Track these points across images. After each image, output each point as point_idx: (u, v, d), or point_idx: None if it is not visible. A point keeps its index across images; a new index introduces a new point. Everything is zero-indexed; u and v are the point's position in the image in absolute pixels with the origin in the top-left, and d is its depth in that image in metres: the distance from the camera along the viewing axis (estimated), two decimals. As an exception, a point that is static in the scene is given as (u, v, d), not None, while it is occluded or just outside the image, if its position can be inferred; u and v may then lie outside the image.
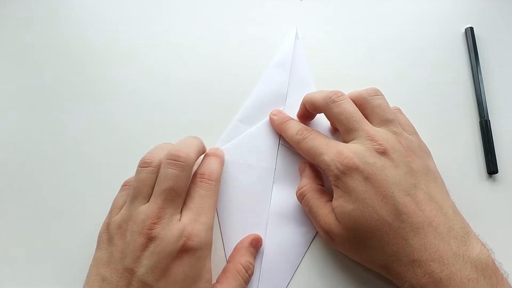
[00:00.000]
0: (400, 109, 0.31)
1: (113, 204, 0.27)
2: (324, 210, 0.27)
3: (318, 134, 0.29)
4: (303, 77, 0.35)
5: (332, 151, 0.26)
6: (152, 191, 0.25)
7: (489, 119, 0.34)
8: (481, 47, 0.37)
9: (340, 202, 0.25)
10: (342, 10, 0.39)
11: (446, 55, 0.37)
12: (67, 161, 0.33)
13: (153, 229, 0.23)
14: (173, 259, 0.23)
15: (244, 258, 0.28)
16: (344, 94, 0.29)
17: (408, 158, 0.26)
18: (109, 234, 0.25)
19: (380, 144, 0.26)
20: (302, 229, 0.30)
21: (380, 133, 0.27)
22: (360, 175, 0.25)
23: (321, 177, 0.30)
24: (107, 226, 0.26)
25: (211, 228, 0.25)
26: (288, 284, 0.29)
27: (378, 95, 0.28)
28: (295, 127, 0.30)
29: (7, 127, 0.34)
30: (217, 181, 0.28)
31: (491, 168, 0.33)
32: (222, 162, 0.30)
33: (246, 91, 0.35)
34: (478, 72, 0.36)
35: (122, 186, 0.29)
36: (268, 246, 0.30)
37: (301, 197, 0.29)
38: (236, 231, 0.30)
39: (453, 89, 0.36)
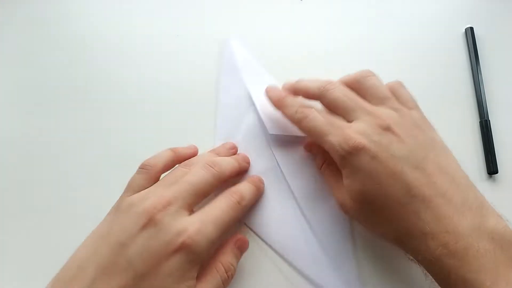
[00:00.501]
0: (401, 83, 0.30)
1: (128, 184, 0.27)
2: (337, 186, 0.27)
3: (319, 112, 0.28)
4: (257, 71, 0.35)
5: (337, 132, 0.26)
6: None
7: (489, 119, 0.34)
8: (481, 47, 0.37)
9: (348, 181, 0.25)
10: (342, 10, 0.39)
11: (446, 55, 0.37)
12: (67, 161, 0.33)
13: (159, 212, 0.23)
14: (166, 252, 0.22)
15: (226, 257, 0.26)
16: (336, 82, 0.28)
17: (413, 132, 0.26)
18: (116, 209, 0.25)
19: (383, 119, 0.25)
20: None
21: (380, 110, 0.26)
22: (367, 154, 0.24)
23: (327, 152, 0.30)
24: (118, 203, 0.26)
25: (212, 242, 0.24)
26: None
27: (370, 76, 0.28)
28: (294, 105, 0.29)
29: (7, 127, 0.34)
30: (244, 209, 0.27)
31: (491, 168, 0.33)
32: (258, 193, 0.30)
33: (246, 91, 0.35)
34: (478, 72, 0.36)
35: (139, 168, 0.28)
36: (316, 232, 0.29)
37: (322, 174, 0.30)
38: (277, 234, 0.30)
39: (453, 89, 0.36)
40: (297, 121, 0.28)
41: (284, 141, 0.32)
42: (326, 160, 0.30)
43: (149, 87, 0.35)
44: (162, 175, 0.28)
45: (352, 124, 0.26)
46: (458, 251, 0.21)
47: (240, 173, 0.31)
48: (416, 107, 0.29)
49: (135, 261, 0.22)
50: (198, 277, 0.25)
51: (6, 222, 0.32)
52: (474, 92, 0.36)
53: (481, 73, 0.36)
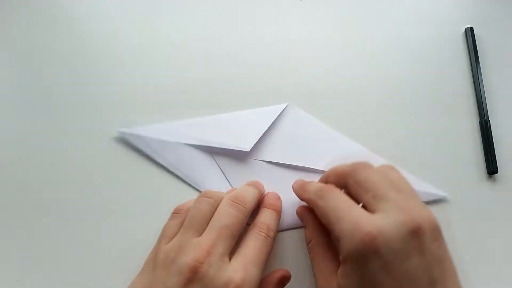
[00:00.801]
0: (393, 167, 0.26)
1: (163, 231, 0.27)
2: (325, 275, 0.25)
3: (341, 194, 0.24)
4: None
5: (352, 220, 0.22)
6: (207, 226, 0.25)
7: (489, 119, 0.34)
8: (481, 47, 0.37)
9: (344, 282, 0.22)
10: (342, 11, 0.39)
11: (446, 55, 0.37)
12: (66, 161, 0.33)
13: (201, 265, 0.22)
14: None
15: None
16: (371, 165, 0.26)
17: (436, 242, 0.22)
18: (154, 262, 0.24)
19: (413, 219, 0.21)
20: None
21: (411, 205, 0.22)
22: (377, 261, 0.20)
23: (322, 226, 0.27)
24: (155, 253, 0.25)
25: (257, 282, 0.24)
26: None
27: (395, 170, 0.26)
28: (315, 185, 0.27)
29: (8, 127, 0.34)
30: (274, 239, 0.27)
31: (491, 168, 0.33)
32: (279, 216, 0.30)
33: (246, 91, 0.35)
34: (478, 72, 0.36)
35: (173, 214, 0.28)
36: None
37: (308, 250, 0.28)
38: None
39: (453, 89, 0.36)
40: (315, 199, 0.25)
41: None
42: (316, 238, 0.27)
43: (149, 87, 0.35)
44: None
45: (375, 216, 0.22)
46: None
47: (260, 199, 0.30)
48: (420, 200, 0.24)
49: None
50: None
51: (6, 222, 0.32)
52: (474, 92, 0.36)
53: (481, 73, 0.36)
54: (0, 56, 0.37)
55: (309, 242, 0.28)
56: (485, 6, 0.39)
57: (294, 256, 0.31)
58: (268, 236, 0.26)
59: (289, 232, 0.31)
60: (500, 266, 0.31)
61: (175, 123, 0.34)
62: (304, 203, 0.30)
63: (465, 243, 0.31)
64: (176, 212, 0.28)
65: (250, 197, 0.27)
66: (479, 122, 0.35)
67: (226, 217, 0.25)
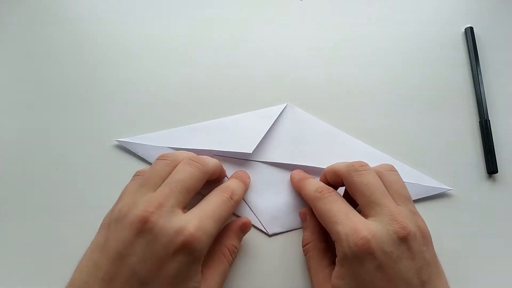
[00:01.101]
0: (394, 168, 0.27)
1: (122, 192, 0.26)
2: (320, 277, 0.26)
3: (339, 198, 0.26)
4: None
5: (349, 224, 0.23)
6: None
7: (489, 119, 0.34)
8: (481, 47, 0.37)
9: (339, 282, 0.23)
10: (341, 10, 0.39)
11: (446, 55, 0.37)
12: (67, 161, 0.33)
13: (151, 215, 0.22)
14: (168, 253, 0.21)
15: (230, 241, 0.27)
16: (368, 165, 0.26)
17: (424, 246, 0.24)
18: (110, 220, 0.24)
19: (404, 227, 0.23)
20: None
21: (403, 213, 0.24)
22: (372, 262, 0.22)
23: (325, 231, 0.28)
24: (111, 212, 0.25)
25: (212, 237, 0.23)
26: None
27: (393, 171, 0.27)
28: (315, 184, 0.28)
29: (7, 127, 0.34)
30: (237, 203, 0.27)
31: (491, 168, 0.33)
32: (246, 188, 0.30)
33: (246, 92, 0.35)
34: (478, 72, 0.36)
35: (134, 176, 0.27)
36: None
37: (305, 252, 0.28)
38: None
39: (453, 89, 0.36)
40: (313, 200, 0.26)
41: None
42: (314, 241, 0.28)
43: (149, 87, 0.35)
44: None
45: (369, 222, 0.24)
46: None
47: (222, 175, 0.31)
48: (412, 204, 0.26)
49: (138, 269, 0.21)
50: (204, 264, 0.24)
51: (6, 222, 0.31)
52: (474, 92, 0.36)
53: (481, 73, 0.36)
54: (2, 56, 0.37)
55: (306, 244, 0.28)
56: (485, 6, 0.39)
57: (293, 257, 0.31)
58: (231, 198, 0.26)
59: (289, 233, 0.31)
60: (500, 265, 0.31)
61: (174, 129, 0.34)
62: (305, 203, 0.30)
63: (465, 243, 0.31)
64: (137, 175, 0.27)
65: (211, 161, 0.27)
66: (479, 122, 0.35)
67: (181, 172, 0.25)
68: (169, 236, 0.22)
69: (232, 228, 0.28)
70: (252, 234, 0.31)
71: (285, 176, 0.32)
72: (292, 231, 0.31)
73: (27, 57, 0.37)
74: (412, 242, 0.23)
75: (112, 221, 0.24)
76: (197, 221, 0.23)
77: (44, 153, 0.33)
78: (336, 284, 0.23)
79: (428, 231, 0.25)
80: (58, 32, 0.38)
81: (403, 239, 0.23)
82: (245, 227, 0.28)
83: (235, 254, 0.27)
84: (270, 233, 0.31)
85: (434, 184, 0.32)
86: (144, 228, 0.22)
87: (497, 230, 0.32)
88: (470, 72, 0.37)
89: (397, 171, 0.27)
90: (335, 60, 0.37)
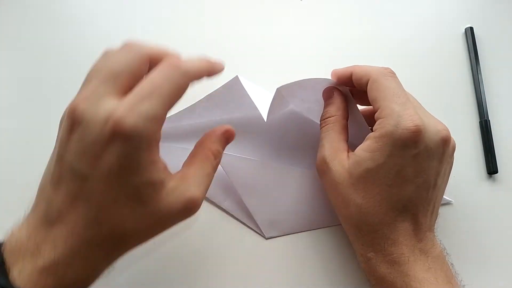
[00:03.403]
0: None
1: None
2: (336, 144, 0.26)
3: (402, 85, 0.27)
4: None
5: (407, 109, 0.24)
6: None
7: (489, 119, 0.34)
8: (481, 47, 0.37)
9: (367, 155, 0.24)
10: (341, 10, 0.39)
11: (446, 55, 0.37)
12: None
13: (77, 106, 0.19)
14: (103, 144, 0.19)
15: (214, 145, 0.24)
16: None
17: (451, 158, 0.26)
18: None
19: (447, 131, 0.25)
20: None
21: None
22: (412, 151, 0.23)
23: (347, 110, 0.28)
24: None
25: (155, 118, 0.19)
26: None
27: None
28: (380, 67, 0.27)
29: (8, 127, 0.34)
30: (188, 74, 0.21)
31: (491, 168, 0.33)
32: (207, 65, 0.23)
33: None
34: (478, 72, 0.36)
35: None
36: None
37: (323, 124, 0.28)
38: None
39: (453, 89, 0.36)
40: (379, 74, 0.26)
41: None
42: (337, 116, 0.28)
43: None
44: None
45: (422, 117, 0.25)
46: (410, 261, 0.24)
47: (208, 72, 0.23)
48: None
49: (75, 165, 0.19)
50: (186, 164, 0.23)
51: (6, 222, 0.31)
52: (474, 92, 0.36)
53: (481, 73, 0.36)
54: (1, 57, 0.37)
55: (329, 117, 0.28)
56: (485, 6, 0.39)
57: (290, 260, 0.31)
58: (177, 67, 0.21)
59: (286, 237, 0.31)
60: (500, 265, 0.31)
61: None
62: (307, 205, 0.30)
63: (465, 243, 0.31)
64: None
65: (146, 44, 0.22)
66: (479, 122, 0.35)
67: (110, 59, 0.21)
68: (98, 125, 0.19)
69: (215, 133, 0.25)
70: (248, 237, 0.31)
71: (286, 178, 0.31)
72: (289, 235, 0.31)
73: (28, 57, 0.37)
74: (447, 148, 0.25)
75: (59, 127, 0.22)
76: (126, 104, 0.19)
77: (44, 154, 0.33)
78: (361, 155, 0.24)
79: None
80: (59, 32, 0.38)
81: (444, 142, 0.25)
82: (229, 134, 0.25)
83: (219, 159, 0.25)
84: (267, 236, 0.31)
85: None
86: (73, 122, 0.19)
87: (497, 230, 0.32)
88: (470, 72, 0.37)
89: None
90: (335, 60, 0.37)
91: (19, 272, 0.18)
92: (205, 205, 0.31)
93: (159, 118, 0.20)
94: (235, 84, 0.30)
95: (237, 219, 0.31)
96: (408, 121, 0.23)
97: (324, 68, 0.36)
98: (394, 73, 0.27)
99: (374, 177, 0.24)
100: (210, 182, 0.24)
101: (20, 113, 0.35)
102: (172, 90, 0.20)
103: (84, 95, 0.20)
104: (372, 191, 0.24)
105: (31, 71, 0.36)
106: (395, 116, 0.24)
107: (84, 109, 0.19)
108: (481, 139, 0.34)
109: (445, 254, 0.25)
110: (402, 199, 0.24)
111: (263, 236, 0.31)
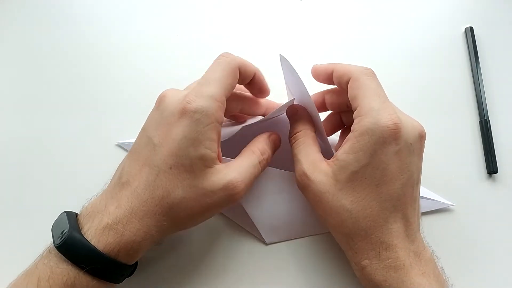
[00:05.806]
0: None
1: None
2: (311, 157, 0.27)
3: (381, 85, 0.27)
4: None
5: (386, 107, 0.24)
6: None
7: (489, 119, 0.34)
8: (481, 47, 0.37)
9: (350, 157, 0.24)
10: (341, 10, 0.39)
11: (446, 55, 0.37)
12: (68, 163, 0.33)
13: (166, 93, 0.26)
14: (174, 119, 0.24)
15: (261, 144, 0.28)
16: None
17: (422, 152, 0.27)
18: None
19: (422, 127, 0.26)
20: None
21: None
22: (393, 147, 0.24)
23: (313, 124, 0.29)
24: None
25: (213, 98, 0.24)
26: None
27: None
28: (361, 66, 0.28)
29: (8, 128, 0.34)
30: (234, 60, 0.26)
31: (491, 168, 0.33)
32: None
33: (247, 91, 0.35)
34: (478, 72, 0.36)
35: None
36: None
37: (293, 140, 0.28)
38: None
39: (453, 89, 0.36)
40: (361, 73, 0.26)
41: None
42: (305, 130, 0.28)
43: (149, 87, 0.35)
44: None
45: (400, 113, 0.26)
46: (405, 266, 0.23)
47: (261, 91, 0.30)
48: None
49: (151, 134, 0.24)
50: (235, 159, 0.26)
51: (6, 222, 0.32)
52: (474, 92, 0.36)
53: (481, 73, 0.36)
54: (2, 56, 0.37)
55: (296, 132, 0.28)
56: (485, 6, 0.39)
57: (290, 265, 0.31)
58: (224, 57, 0.26)
59: (289, 242, 0.31)
60: (500, 265, 0.31)
61: None
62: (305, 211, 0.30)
63: (465, 243, 0.31)
64: None
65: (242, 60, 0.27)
66: (479, 122, 0.35)
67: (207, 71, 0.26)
68: (174, 104, 0.24)
69: (263, 136, 0.28)
70: (248, 242, 0.31)
71: (287, 184, 0.31)
72: (290, 241, 0.31)
73: (29, 57, 0.37)
74: (423, 144, 0.26)
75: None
76: (194, 90, 0.24)
77: (45, 155, 0.33)
78: (345, 159, 0.24)
79: None
80: (61, 33, 0.38)
81: (421, 138, 0.25)
82: (275, 138, 0.29)
83: (267, 155, 0.27)
84: (267, 242, 0.31)
85: (438, 198, 0.32)
86: (160, 102, 0.25)
87: (497, 230, 0.32)
88: (470, 72, 0.37)
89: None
90: (334, 60, 0.37)
91: (88, 229, 0.23)
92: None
93: (218, 99, 0.24)
94: (284, 61, 0.31)
95: (238, 225, 0.31)
96: (387, 118, 0.24)
97: (324, 68, 0.36)
98: (374, 74, 0.27)
99: (361, 178, 0.24)
100: (256, 172, 0.26)
101: (20, 113, 0.35)
102: (226, 76, 0.25)
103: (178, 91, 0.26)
104: (361, 193, 0.24)
105: (31, 71, 0.36)
106: (374, 114, 0.24)
107: (169, 93, 0.25)
108: (481, 139, 0.34)
109: (434, 257, 0.25)
110: (391, 198, 0.24)
111: (264, 242, 0.31)
